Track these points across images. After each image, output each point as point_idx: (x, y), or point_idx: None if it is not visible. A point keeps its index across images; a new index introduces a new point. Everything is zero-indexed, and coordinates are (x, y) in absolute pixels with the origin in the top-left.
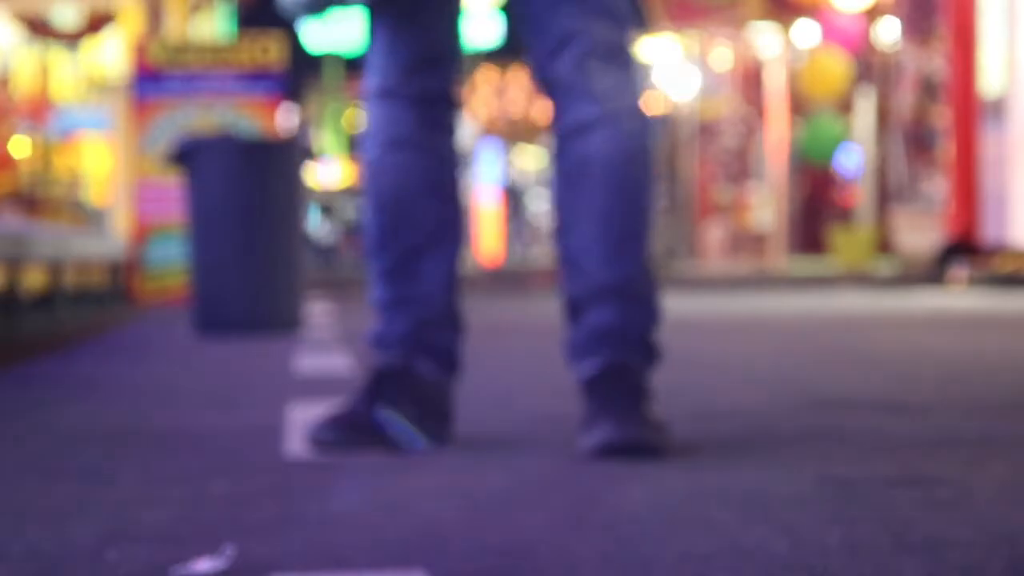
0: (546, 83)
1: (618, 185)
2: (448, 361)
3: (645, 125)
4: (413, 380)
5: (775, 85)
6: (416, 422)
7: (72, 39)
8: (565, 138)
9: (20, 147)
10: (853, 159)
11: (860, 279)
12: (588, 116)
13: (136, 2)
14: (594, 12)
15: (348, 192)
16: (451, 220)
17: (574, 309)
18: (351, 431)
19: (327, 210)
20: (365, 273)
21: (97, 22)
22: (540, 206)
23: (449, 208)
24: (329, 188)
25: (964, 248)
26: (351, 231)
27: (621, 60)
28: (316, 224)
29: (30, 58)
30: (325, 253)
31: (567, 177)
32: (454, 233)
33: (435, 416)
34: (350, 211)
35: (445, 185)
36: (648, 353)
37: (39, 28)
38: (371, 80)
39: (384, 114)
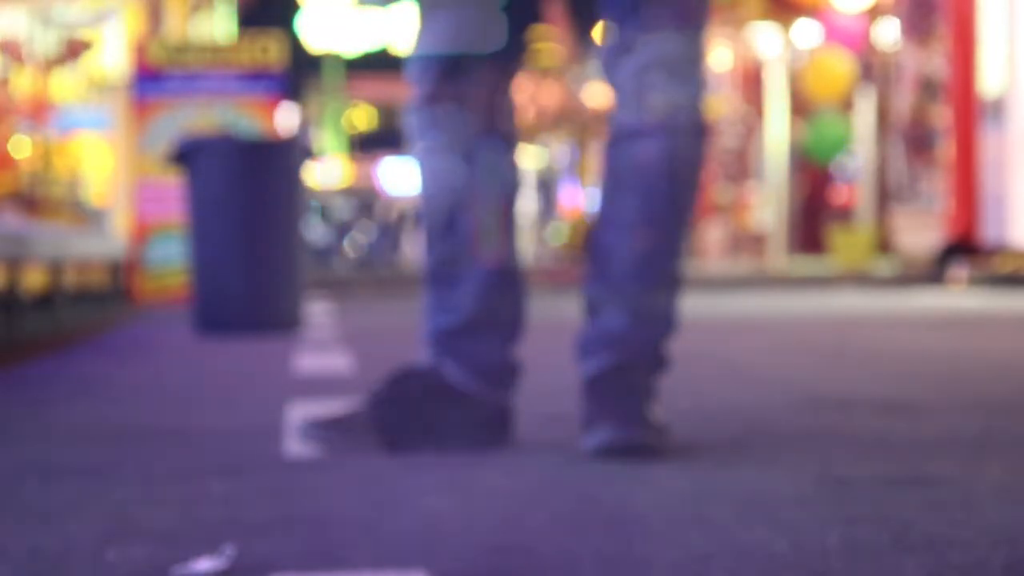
0: (608, 82)
1: (656, 197)
2: (482, 371)
3: (697, 141)
4: (437, 383)
5: (775, 85)
6: (432, 425)
7: (50, 65)
8: (616, 140)
9: (20, 147)
10: (854, 160)
11: (860, 279)
12: (639, 125)
13: (136, 2)
14: (665, 22)
15: (344, 192)
16: (488, 232)
17: (591, 306)
18: (348, 432)
19: (323, 211)
20: (362, 274)
21: (75, 49)
22: (536, 205)
23: (487, 219)
24: (325, 188)
25: (964, 248)
26: (345, 232)
27: (684, 74)
28: (311, 225)
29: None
30: (321, 254)
31: (611, 178)
32: (493, 246)
33: (458, 423)
34: (346, 212)
35: (483, 196)
36: (656, 360)
37: (15, 54)
38: (413, 85)
39: (421, 120)
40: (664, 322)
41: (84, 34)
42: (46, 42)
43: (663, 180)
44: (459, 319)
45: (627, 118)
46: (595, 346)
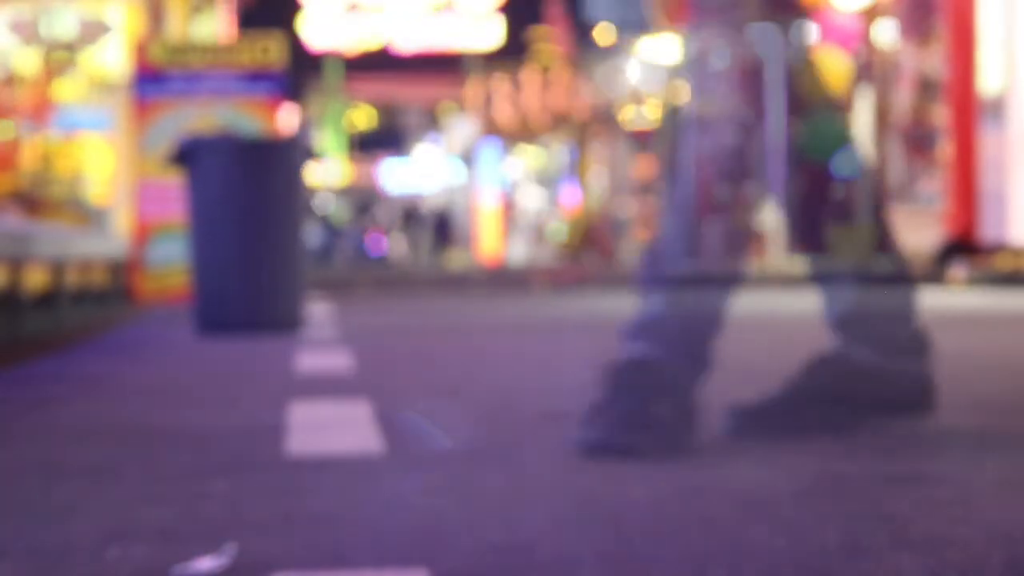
0: (684, 79)
1: (707, 188)
2: (888, 346)
3: (751, 131)
4: (849, 366)
5: (774, 84)
6: (853, 406)
7: (31, 85)
8: (680, 130)
9: (22, 147)
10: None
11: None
12: (699, 114)
13: (137, 2)
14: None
15: (344, 192)
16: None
17: (642, 291)
18: (771, 419)
19: (322, 210)
20: (358, 274)
21: (55, 68)
22: (536, 205)
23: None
24: (325, 188)
25: (963, 247)
26: (337, 231)
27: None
28: (310, 225)
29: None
30: (316, 254)
31: (677, 167)
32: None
33: (877, 398)
34: (345, 212)
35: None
36: (692, 358)
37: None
38: None
39: None
40: (705, 318)
41: (70, 51)
42: (31, 58)
43: (716, 171)
44: (853, 303)
45: (690, 107)
46: (631, 330)
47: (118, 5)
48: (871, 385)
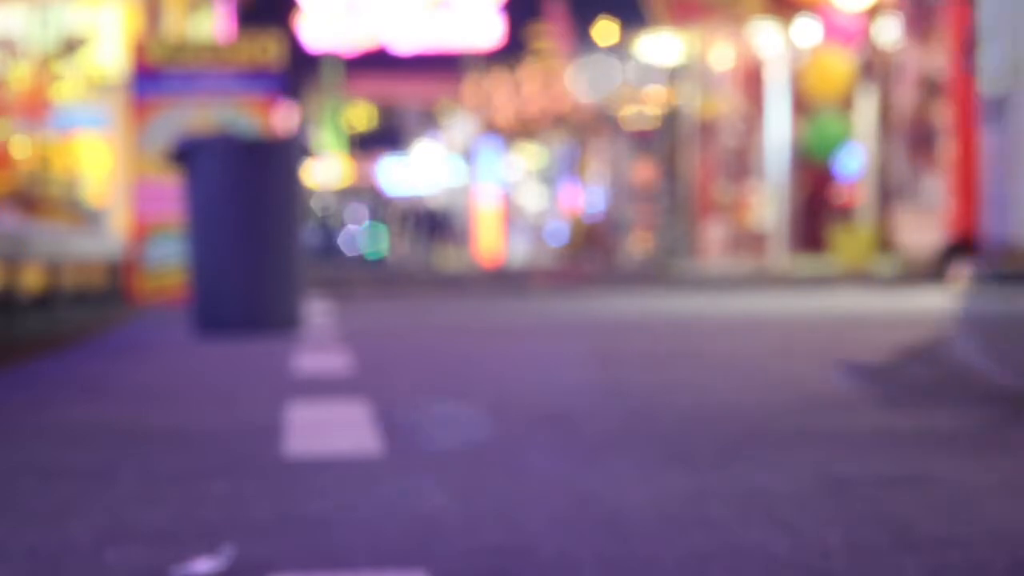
0: None
1: None
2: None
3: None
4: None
5: (776, 83)
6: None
7: (26, 91)
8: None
9: (18, 146)
10: (855, 159)
11: (861, 278)
12: None
13: (135, 1)
14: None
15: (344, 192)
16: None
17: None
18: (888, 380)
19: (316, 210)
20: (357, 274)
21: (48, 79)
22: (537, 204)
23: None
24: (324, 187)
25: (965, 247)
26: (332, 232)
27: None
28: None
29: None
30: (315, 253)
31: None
32: None
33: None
34: (344, 211)
35: None
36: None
37: None
38: None
39: None
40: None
41: (56, 60)
42: (23, 68)
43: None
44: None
45: None
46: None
47: (116, 4)
48: (964, 381)
